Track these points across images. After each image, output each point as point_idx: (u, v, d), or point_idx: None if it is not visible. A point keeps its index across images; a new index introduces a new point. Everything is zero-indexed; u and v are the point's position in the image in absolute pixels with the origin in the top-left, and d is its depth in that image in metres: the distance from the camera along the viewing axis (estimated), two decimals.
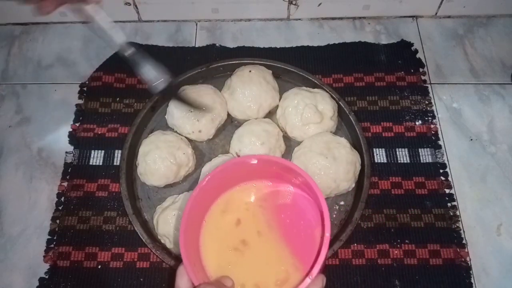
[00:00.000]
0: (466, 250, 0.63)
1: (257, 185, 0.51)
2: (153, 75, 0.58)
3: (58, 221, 0.67)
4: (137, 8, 0.84)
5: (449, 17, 0.85)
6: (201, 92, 0.70)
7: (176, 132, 0.71)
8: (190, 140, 0.71)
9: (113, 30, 0.54)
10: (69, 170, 0.71)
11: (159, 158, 0.65)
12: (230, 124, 0.74)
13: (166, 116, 0.72)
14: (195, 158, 0.69)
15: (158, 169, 0.65)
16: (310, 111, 0.68)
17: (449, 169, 0.70)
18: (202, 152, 0.71)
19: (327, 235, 0.42)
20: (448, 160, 0.70)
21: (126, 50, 0.56)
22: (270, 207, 0.50)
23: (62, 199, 0.68)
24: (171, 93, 0.62)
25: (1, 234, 0.66)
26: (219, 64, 0.76)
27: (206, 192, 0.48)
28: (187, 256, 0.42)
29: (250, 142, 0.66)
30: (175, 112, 0.70)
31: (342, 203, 0.67)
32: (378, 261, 0.63)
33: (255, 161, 0.48)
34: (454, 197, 0.67)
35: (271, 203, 0.50)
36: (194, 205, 0.46)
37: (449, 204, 0.67)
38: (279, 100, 0.73)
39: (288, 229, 0.48)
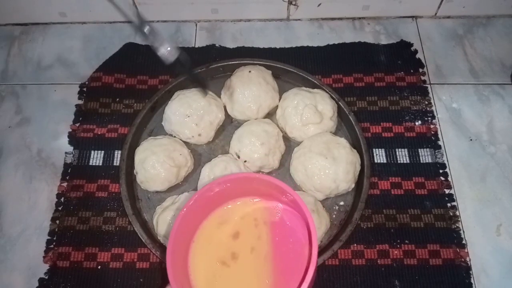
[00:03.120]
0: (466, 250, 0.63)
1: (249, 202, 0.51)
2: (165, 47, 0.59)
3: (57, 221, 0.67)
4: (137, 8, 0.83)
5: (448, 17, 0.85)
6: (195, 96, 0.70)
7: (174, 137, 0.71)
8: (189, 144, 0.71)
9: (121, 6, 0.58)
10: (69, 171, 0.71)
11: (157, 163, 0.64)
12: (230, 124, 0.74)
13: (162, 123, 0.72)
14: (193, 158, 0.69)
15: (159, 174, 0.65)
16: (310, 112, 0.68)
17: (449, 169, 0.70)
18: (201, 153, 0.71)
19: (315, 253, 0.41)
20: (447, 160, 0.70)
21: (140, 27, 0.58)
22: (268, 224, 0.50)
23: (62, 199, 0.68)
24: (184, 68, 0.63)
25: (1, 235, 0.66)
26: (219, 65, 0.76)
27: (194, 211, 0.47)
28: (174, 276, 0.42)
29: (250, 143, 0.66)
30: (172, 118, 0.69)
31: (342, 203, 0.67)
32: (378, 261, 0.63)
33: (242, 179, 0.48)
34: (454, 197, 0.67)
35: (268, 221, 0.50)
36: (182, 224, 0.46)
37: (448, 204, 0.67)
38: (279, 100, 0.73)
39: (279, 247, 0.48)
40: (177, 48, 0.60)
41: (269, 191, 0.49)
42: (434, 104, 0.76)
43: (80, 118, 0.75)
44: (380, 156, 0.71)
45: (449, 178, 0.69)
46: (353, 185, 0.66)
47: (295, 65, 0.76)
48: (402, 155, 0.71)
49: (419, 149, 0.71)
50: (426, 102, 0.75)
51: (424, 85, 0.77)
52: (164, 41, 0.59)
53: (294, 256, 0.47)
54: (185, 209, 0.46)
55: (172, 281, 0.42)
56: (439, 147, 0.71)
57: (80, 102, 0.77)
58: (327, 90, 0.72)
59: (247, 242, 0.48)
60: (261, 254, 0.47)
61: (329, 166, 0.64)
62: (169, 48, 0.59)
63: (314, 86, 0.73)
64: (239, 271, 0.47)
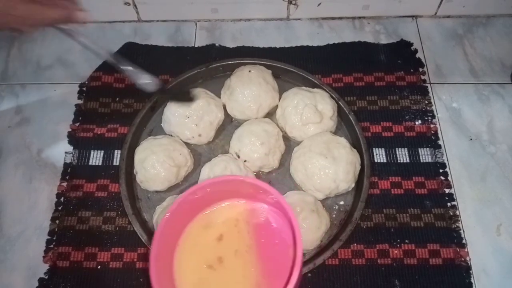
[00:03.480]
0: (466, 250, 0.63)
1: (234, 204, 0.51)
2: (144, 77, 0.62)
3: (57, 221, 0.67)
4: (136, 8, 0.83)
5: (448, 17, 0.85)
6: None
7: (174, 137, 0.70)
8: (189, 144, 0.70)
9: (95, 47, 0.59)
10: (69, 170, 0.71)
11: (157, 163, 0.64)
12: (230, 124, 0.74)
13: (162, 124, 0.71)
14: (193, 157, 0.69)
15: (158, 173, 0.64)
16: (310, 111, 0.68)
17: (449, 169, 0.70)
18: (201, 153, 0.71)
19: (299, 254, 0.41)
20: (447, 160, 0.70)
21: (113, 61, 0.60)
22: (250, 225, 0.49)
23: (62, 199, 0.68)
24: (165, 94, 0.68)
25: (1, 235, 0.66)
26: (219, 64, 0.76)
27: (178, 214, 0.47)
28: (158, 282, 0.42)
29: (250, 142, 0.66)
30: (171, 119, 0.69)
31: (342, 203, 0.67)
32: (378, 261, 0.63)
33: (226, 182, 0.49)
34: (454, 197, 0.67)
35: (251, 222, 0.50)
36: (166, 228, 0.46)
37: (448, 204, 0.67)
38: (279, 100, 0.72)
39: (264, 248, 0.48)
40: (156, 79, 0.63)
41: (254, 193, 0.49)
42: (434, 103, 0.76)
43: (80, 118, 0.75)
44: (380, 155, 0.71)
45: (449, 178, 0.69)
46: (353, 185, 0.66)
47: (295, 65, 0.76)
48: (402, 155, 0.70)
49: (419, 149, 0.71)
50: (426, 102, 0.75)
51: (424, 85, 0.77)
52: (144, 74, 0.62)
53: (280, 257, 0.47)
54: (168, 214, 0.46)
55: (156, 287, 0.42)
56: (439, 146, 0.71)
57: (80, 101, 0.77)
58: (327, 90, 0.72)
59: (231, 245, 0.48)
60: (246, 257, 0.47)
61: (329, 166, 0.63)
62: (149, 81, 0.62)
63: (314, 85, 0.73)
64: (226, 275, 0.47)
